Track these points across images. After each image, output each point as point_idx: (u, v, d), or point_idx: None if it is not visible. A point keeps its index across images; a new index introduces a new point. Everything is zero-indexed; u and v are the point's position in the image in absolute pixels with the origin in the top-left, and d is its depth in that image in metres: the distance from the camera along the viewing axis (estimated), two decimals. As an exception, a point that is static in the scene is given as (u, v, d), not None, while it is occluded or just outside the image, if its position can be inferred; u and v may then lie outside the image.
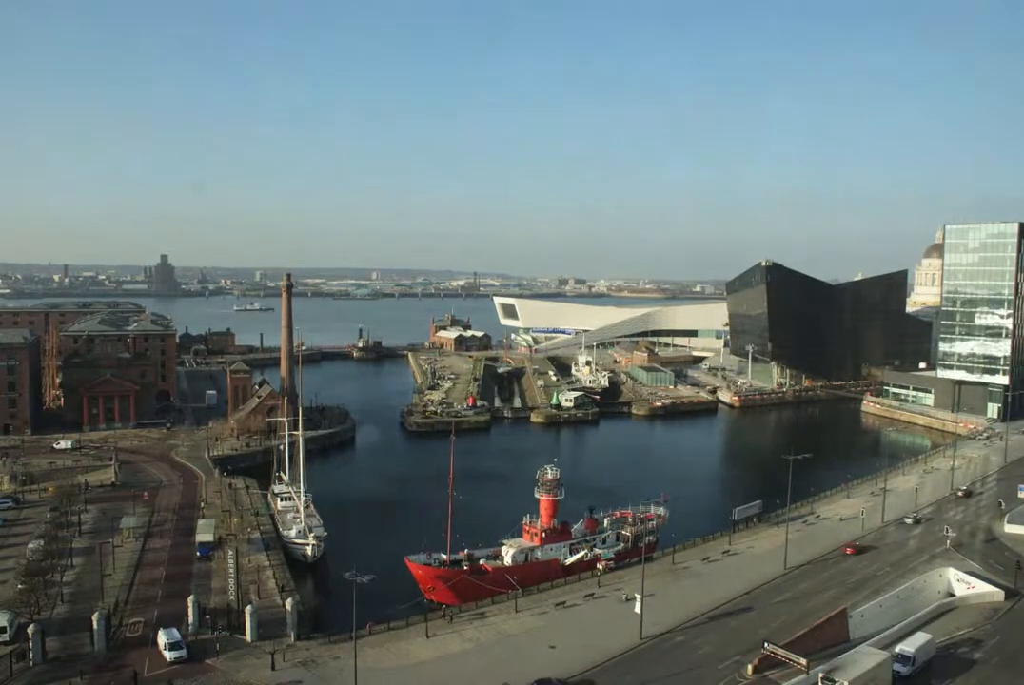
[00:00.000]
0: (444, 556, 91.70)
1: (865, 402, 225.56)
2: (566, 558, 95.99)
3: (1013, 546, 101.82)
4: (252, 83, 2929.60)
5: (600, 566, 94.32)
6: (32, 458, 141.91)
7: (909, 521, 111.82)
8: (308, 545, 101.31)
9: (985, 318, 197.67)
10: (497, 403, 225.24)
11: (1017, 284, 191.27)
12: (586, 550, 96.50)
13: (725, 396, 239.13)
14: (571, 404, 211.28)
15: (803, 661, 66.81)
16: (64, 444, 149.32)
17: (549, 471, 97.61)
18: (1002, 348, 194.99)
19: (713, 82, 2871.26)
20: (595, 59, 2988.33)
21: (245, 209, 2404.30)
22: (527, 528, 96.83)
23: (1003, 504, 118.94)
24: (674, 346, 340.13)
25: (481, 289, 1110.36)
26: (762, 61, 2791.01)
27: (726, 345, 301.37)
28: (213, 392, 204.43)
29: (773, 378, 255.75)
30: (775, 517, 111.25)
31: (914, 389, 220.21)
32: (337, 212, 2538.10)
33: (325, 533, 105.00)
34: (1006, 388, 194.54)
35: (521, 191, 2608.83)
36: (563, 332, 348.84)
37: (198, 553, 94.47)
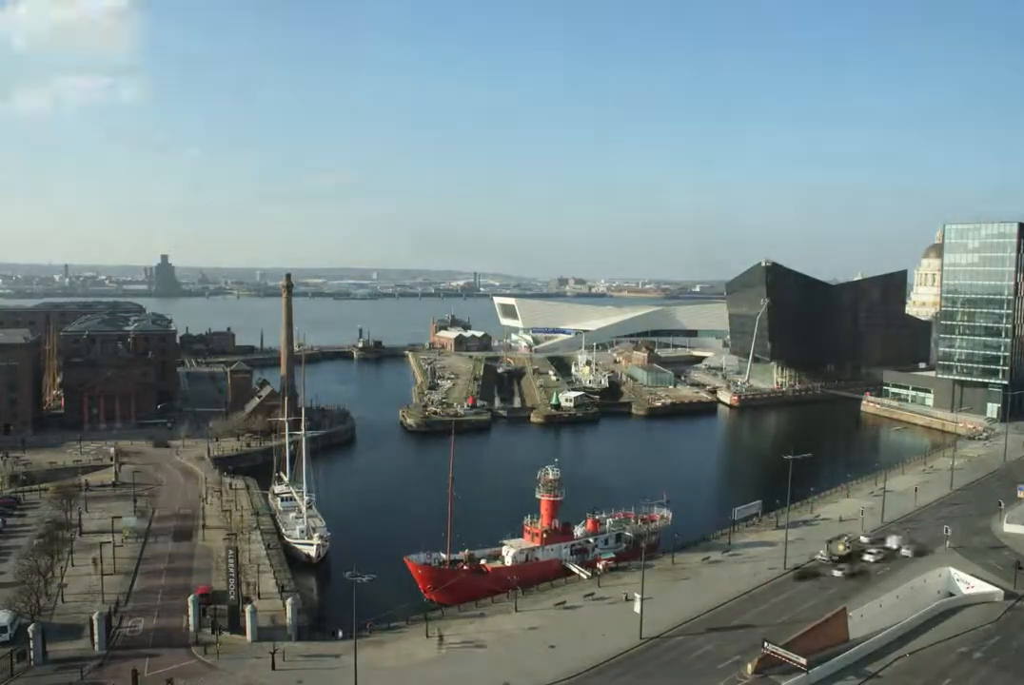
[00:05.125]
0: (444, 556, 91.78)
1: (865, 402, 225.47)
2: (567, 559, 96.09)
3: (1013, 546, 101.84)
4: (252, 84, 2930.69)
5: (600, 566, 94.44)
6: (32, 458, 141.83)
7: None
8: (312, 545, 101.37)
9: (985, 318, 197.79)
10: (497, 403, 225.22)
11: (1017, 284, 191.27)
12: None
13: (725, 396, 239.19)
14: (571, 404, 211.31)
15: (803, 661, 66.94)
16: None
17: (550, 471, 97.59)
18: (1002, 348, 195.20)
19: (714, 81, 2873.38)
20: (598, 57, 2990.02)
21: (245, 209, 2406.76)
22: (528, 528, 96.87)
23: (1003, 504, 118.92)
24: (674, 346, 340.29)
25: (481, 289, 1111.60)
26: (763, 61, 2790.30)
27: (726, 345, 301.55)
28: None
29: (773, 378, 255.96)
30: (775, 517, 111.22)
31: (914, 389, 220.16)
32: (338, 212, 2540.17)
33: (329, 533, 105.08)
34: (1006, 388, 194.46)
35: (521, 191, 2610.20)
36: (563, 332, 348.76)
37: None
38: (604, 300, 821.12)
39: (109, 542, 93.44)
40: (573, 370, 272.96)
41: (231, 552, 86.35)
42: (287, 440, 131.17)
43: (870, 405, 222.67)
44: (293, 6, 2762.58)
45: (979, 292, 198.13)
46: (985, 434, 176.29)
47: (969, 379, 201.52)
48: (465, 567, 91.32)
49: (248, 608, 74.84)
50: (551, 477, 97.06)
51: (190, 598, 76.72)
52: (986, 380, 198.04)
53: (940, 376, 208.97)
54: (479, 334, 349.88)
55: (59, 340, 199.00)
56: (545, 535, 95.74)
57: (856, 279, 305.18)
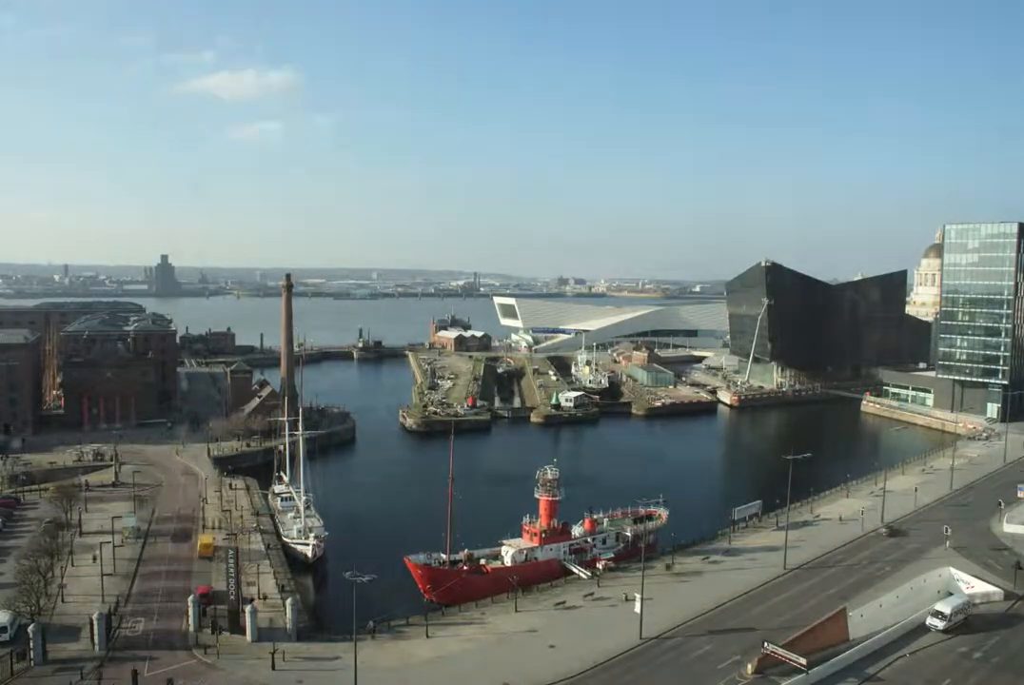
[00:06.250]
0: (444, 556, 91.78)
1: (865, 402, 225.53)
2: (566, 559, 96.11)
3: (1013, 546, 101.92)
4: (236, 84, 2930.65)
5: (600, 566, 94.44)
6: (32, 458, 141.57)
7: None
8: (308, 545, 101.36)
9: (985, 318, 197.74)
10: (497, 403, 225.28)
11: (1017, 284, 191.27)
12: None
13: (725, 396, 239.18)
14: (571, 404, 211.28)
15: (803, 661, 66.97)
16: None
17: (549, 471, 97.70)
18: (1002, 348, 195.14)
19: (713, 80, 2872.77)
20: (594, 61, 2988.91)
21: (245, 209, 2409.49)
22: (527, 528, 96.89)
23: (1003, 504, 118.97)
24: (674, 346, 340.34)
25: (481, 289, 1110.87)
26: (761, 58, 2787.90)
27: (725, 345, 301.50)
28: None
29: (773, 378, 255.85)
30: (775, 517, 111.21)
31: (914, 389, 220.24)
32: (337, 212, 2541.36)
33: (326, 533, 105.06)
34: (1006, 388, 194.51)
35: (521, 191, 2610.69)
36: (563, 332, 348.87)
37: None
38: (604, 300, 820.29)
39: (109, 542, 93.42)
40: (573, 370, 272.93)
41: (231, 552, 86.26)
42: (287, 440, 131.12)
43: (870, 405, 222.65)
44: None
45: (979, 292, 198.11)
46: (985, 434, 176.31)
47: (969, 379, 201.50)
48: (465, 567, 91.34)
49: (248, 608, 74.83)
50: (550, 477, 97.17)
51: (190, 598, 76.72)
52: (986, 380, 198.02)
53: (940, 376, 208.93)
54: (479, 334, 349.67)
55: (59, 340, 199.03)
56: (544, 535, 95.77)
57: (856, 279, 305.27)
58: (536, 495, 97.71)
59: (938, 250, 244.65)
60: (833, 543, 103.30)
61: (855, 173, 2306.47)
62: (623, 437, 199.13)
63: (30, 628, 69.23)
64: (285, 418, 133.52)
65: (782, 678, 66.75)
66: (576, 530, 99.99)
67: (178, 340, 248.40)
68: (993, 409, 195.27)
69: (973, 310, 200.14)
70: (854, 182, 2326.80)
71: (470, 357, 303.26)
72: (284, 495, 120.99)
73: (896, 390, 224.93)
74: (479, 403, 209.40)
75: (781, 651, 68.20)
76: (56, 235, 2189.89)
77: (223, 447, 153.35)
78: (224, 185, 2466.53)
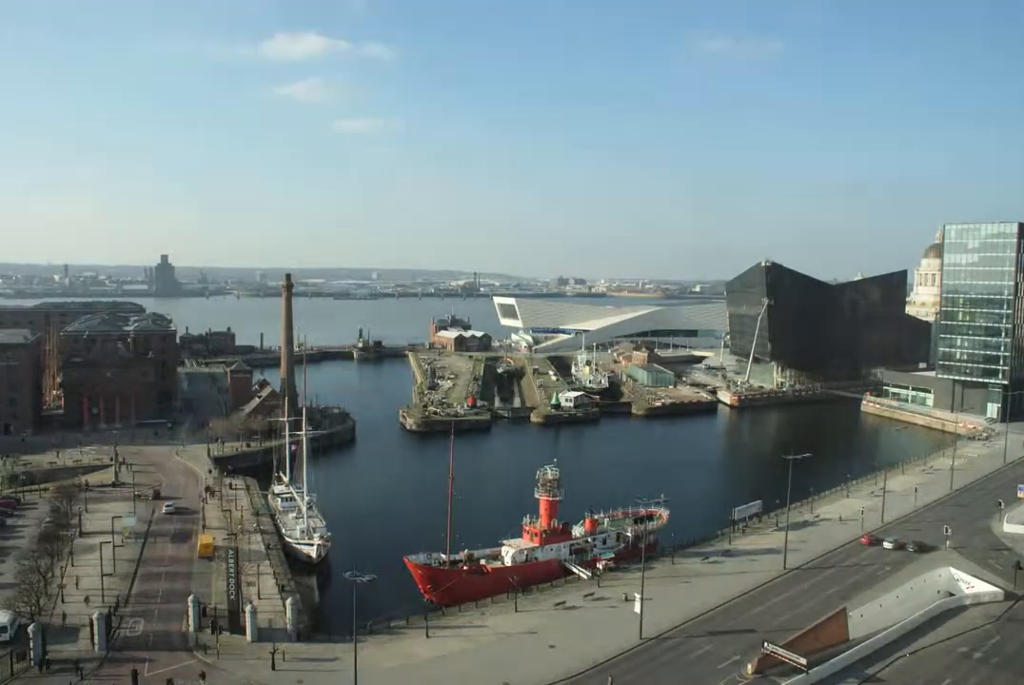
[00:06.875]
0: (444, 556, 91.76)
1: (864, 402, 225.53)
2: (566, 559, 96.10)
3: (1013, 546, 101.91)
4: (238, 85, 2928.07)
5: (600, 566, 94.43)
6: (32, 458, 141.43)
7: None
8: (313, 546, 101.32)
9: (985, 318, 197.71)
10: (497, 403, 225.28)
11: (1017, 284, 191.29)
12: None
13: (725, 396, 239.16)
14: (571, 404, 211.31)
15: (803, 661, 67.01)
16: None
17: (549, 471, 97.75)
18: (1002, 348, 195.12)
19: (710, 79, 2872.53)
20: (590, 62, 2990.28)
21: (245, 209, 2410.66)
22: (527, 528, 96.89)
23: (1003, 504, 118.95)
24: (674, 346, 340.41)
25: (481, 289, 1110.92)
26: (761, 53, 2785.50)
27: (726, 345, 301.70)
28: None
29: (773, 378, 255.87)
30: (775, 517, 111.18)
31: (914, 389, 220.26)
32: (337, 212, 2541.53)
33: (329, 533, 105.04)
34: (1006, 388, 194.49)
35: (521, 191, 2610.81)
36: (563, 332, 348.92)
37: None
38: (604, 300, 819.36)
39: (109, 542, 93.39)
40: (573, 370, 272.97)
41: (231, 552, 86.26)
42: (287, 440, 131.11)
43: (870, 405, 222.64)
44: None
45: (979, 292, 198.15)
46: (985, 434, 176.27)
47: (969, 379, 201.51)
48: (465, 567, 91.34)
49: (248, 608, 74.82)
50: (550, 477, 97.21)
51: (190, 598, 76.72)
52: (986, 380, 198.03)
53: (940, 376, 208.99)
54: (479, 334, 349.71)
55: (59, 340, 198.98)
56: (544, 535, 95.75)
57: (856, 279, 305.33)
58: (536, 495, 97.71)
59: (938, 250, 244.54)
60: (833, 543, 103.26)
61: (854, 173, 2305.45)
62: (623, 437, 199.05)
63: (30, 628, 69.21)
64: (285, 418, 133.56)
65: (782, 678, 66.76)
66: (576, 530, 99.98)
67: (178, 340, 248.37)
68: (993, 409, 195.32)
69: (973, 310, 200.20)
70: (854, 182, 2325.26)
71: (470, 357, 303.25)
72: (284, 495, 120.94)
73: (896, 390, 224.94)
74: (479, 403, 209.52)
75: (781, 651, 68.21)
76: (56, 235, 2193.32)
77: (223, 447, 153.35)
78: (225, 184, 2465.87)
